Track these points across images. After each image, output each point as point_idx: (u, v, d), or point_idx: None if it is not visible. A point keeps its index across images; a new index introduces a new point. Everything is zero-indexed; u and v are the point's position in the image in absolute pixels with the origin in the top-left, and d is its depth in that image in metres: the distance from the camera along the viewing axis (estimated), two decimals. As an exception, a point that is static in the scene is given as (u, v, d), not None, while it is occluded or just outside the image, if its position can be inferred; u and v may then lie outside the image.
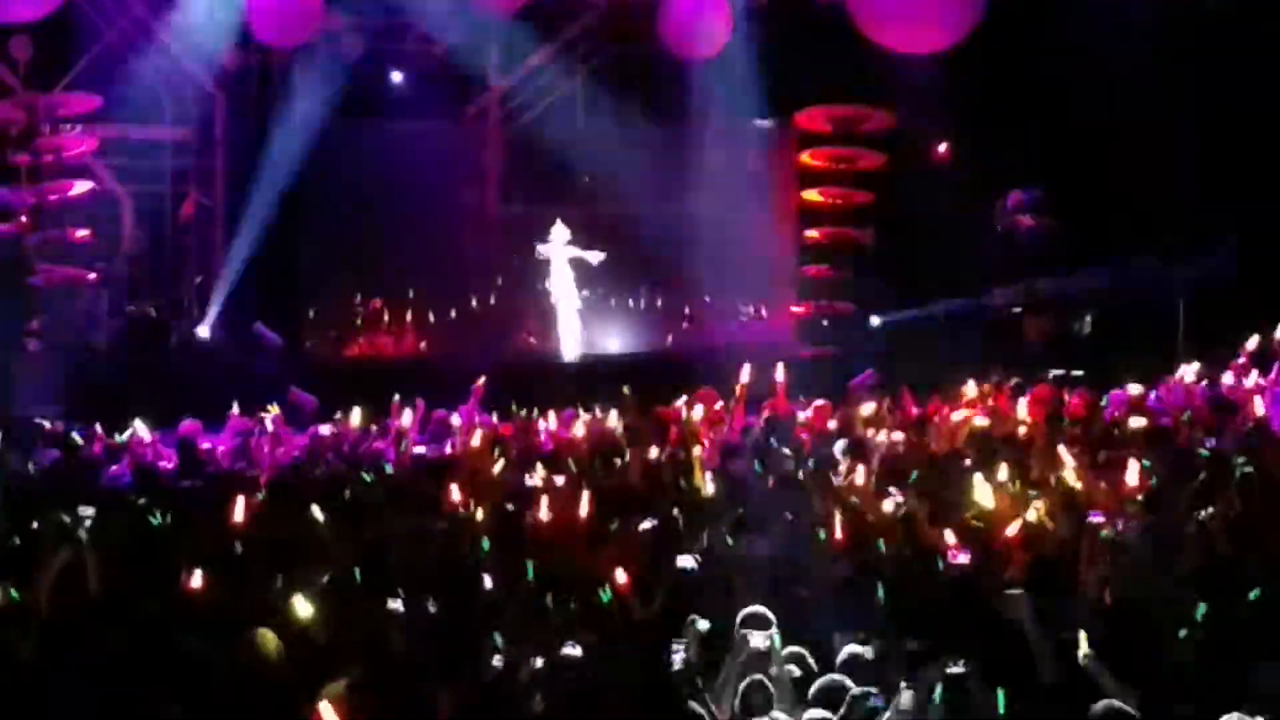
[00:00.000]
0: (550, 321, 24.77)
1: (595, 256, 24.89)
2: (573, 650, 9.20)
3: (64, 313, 22.68)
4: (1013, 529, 11.88)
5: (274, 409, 16.69)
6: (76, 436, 16.55)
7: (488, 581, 10.64)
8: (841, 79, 24.24)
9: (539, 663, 9.17)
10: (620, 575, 10.44)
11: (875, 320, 25.12)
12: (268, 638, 9.24)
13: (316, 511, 12.17)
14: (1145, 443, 15.41)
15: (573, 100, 26.46)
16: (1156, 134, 23.09)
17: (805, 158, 25.59)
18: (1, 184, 22.70)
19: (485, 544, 11.52)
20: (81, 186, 22.92)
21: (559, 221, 24.78)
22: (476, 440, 15.98)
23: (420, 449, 15.67)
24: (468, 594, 10.31)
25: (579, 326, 24.69)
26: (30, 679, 8.94)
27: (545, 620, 10.04)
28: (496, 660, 9.26)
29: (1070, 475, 13.80)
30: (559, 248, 24.86)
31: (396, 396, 16.80)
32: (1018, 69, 23.49)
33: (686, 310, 26.38)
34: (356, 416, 16.96)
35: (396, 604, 9.87)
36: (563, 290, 24.80)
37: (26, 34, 22.58)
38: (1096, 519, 11.86)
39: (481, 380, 17.46)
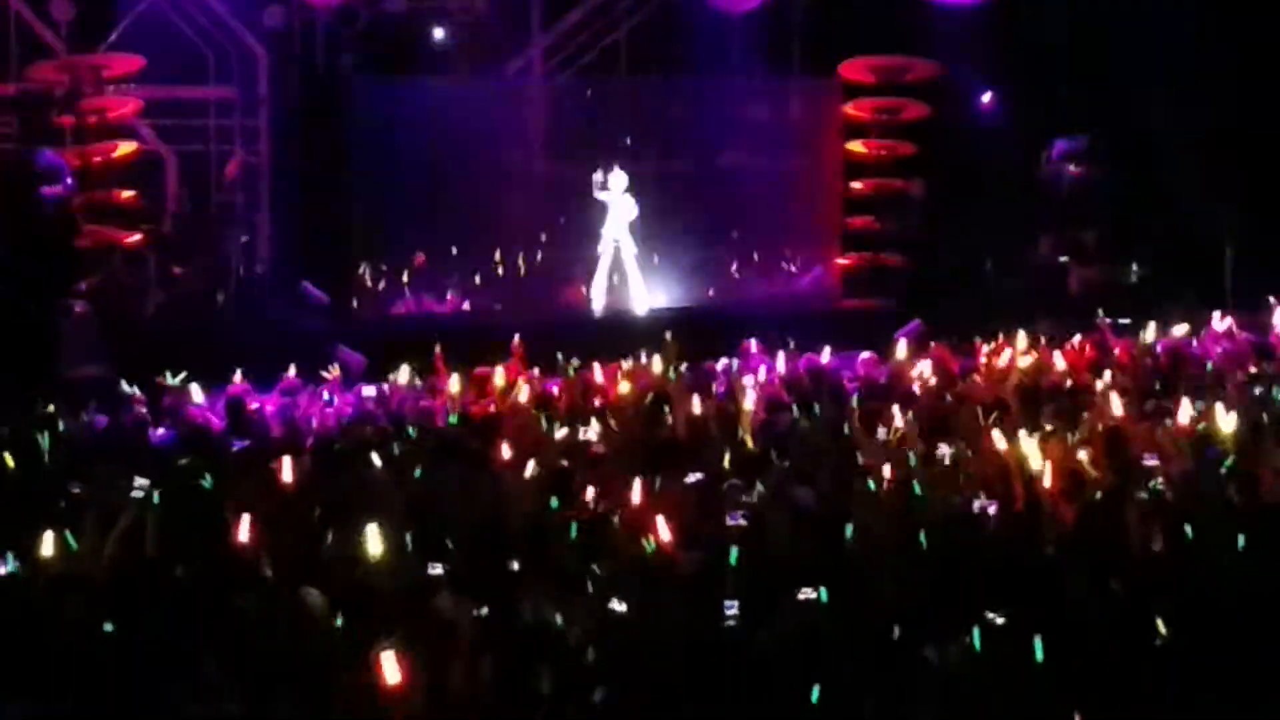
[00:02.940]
0: (606, 274, 24.63)
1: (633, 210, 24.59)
2: (619, 606, 9.21)
3: (110, 274, 22.74)
4: (1053, 478, 11.83)
5: (335, 370, 16.77)
6: (127, 387, 16.54)
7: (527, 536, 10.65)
8: (885, 29, 24.14)
9: (585, 619, 9.19)
10: (664, 530, 10.45)
11: (923, 272, 25.03)
12: (314, 596, 9.30)
13: (371, 464, 12.25)
14: (1193, 389, 15.39)
15: (615, 55, 26.41)
16: (1202, 81, 22.96)
17: (849, 109, 25.51)
18: (46, 145, 22.77)
19: (553, 501, 11.50)
20: (126, 147, 23.00)
21: (617, 168, 24.58)
22: (523, 397, 15.99)
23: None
24: (513, 551, 10.32)
25: (635, 276, 24.55)
26: (85, 639, 9.00)
27: (591, 576, 10.04)
28: (543, 618, 9.26)
29: (1117, 421, 13.77)
30: (617, 194, 24.64)
31: (438, 348, 16.83)
32: (1062, 16, 23.39)
33: (732, 264, 26.31)
34: (404, 374, 16.99)
35: (438, 568, 9.89)
36: (619, 237, 24.57)
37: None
38: (1151, 462, 11.88)
39: (517, 339, 17.45)
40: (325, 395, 16.33)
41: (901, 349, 18.76)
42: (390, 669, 8.13)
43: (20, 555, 10.01)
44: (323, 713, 8.44)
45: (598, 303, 24.37)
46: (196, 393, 16.23)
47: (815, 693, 8.25)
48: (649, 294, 24.52)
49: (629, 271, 24.43)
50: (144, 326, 21.90)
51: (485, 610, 9.19)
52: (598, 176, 24.38)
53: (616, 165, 24.53)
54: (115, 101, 23.28)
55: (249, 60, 24.96)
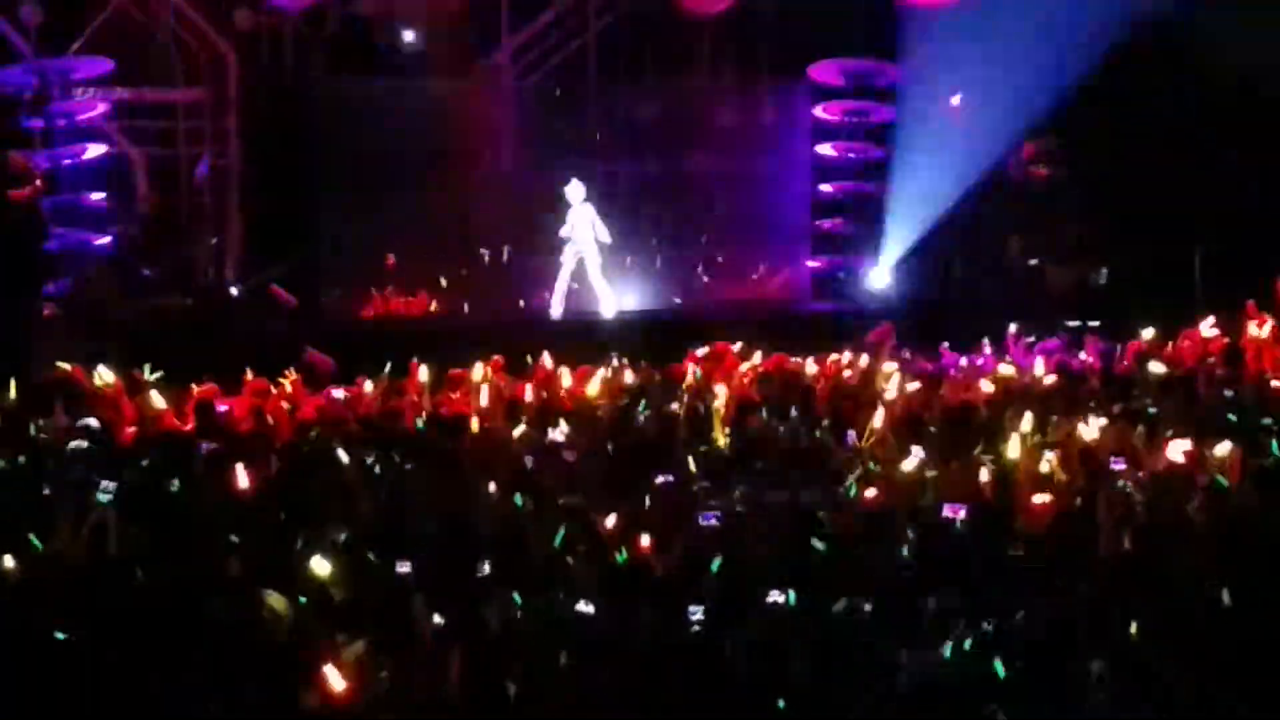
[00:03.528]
0: (567, 280, 24.59)
1: (599, 224, 24.42)
2: (586, 607, 9.19)
3: (79, 277, 22.67)
4: (1035, 493, 11.82)
5: (292, 374, 16.70)
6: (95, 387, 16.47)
7: (495, 538, 10.62)
8: (855, 32, 24.18)
9: (553, 620, 9.16)
10: (638, 532, 10.43)
11: (891, 273, 25.04)
12: (275, 599, 9.26)
13: (339, 463, 12.21)
14: (1162, 393, 15.41)
15: (584, 57, 26.41)
16: (1167, 83, 23.03)
17: (819, 112, 25.54)
18: (15, 149, 22.71)
19: (518, 499, 11.48)
20: (95, 150, 22.97)
21: (574, 179, 24.54)
22: (484, 399, 15.93)
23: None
24: (480, 551, 10.29)
25: (599, 281, 24.50)
26: (47, 639, 8.96)
27: (559, 576, 10.02)
28: (508, 618, 9.24)
29: (1086, 428, 13.77)
30: (576, 204, 24.61)
31: (415, 360, 16.78)
32: (1030, 19, 23.41)
33: (699, 267, 26.29)
34: (369, 386, 16.91)
35: (405, 566, 9.86)
36: (583, 247, 24.51)
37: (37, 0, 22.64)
38: (1118, 467, 11.89)
39: (499, 359, 17.43)
40: (293, 398, 16.26)
41: (872, 352, 18.74)
42: (335, 678, 8.10)
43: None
44: (288, 713, 8.42)
45: (557, 308, 24.23)
46: (159, 401, 16.16)
47: (781, 701, 8.23)
48: (616, 296, 24.46)
49: (593, 278, 24.32)
50: (115, 328, 21.78)
51: (452, 613, 9.17)
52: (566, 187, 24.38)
53: (573, 176, 24.39)
54: (84, 104, 23.23)
55: (218, 63, 24.90)
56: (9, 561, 10.12)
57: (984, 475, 12.11)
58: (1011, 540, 10.57)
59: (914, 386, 16.47)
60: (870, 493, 11.93)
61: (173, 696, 8.50)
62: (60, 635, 8.93)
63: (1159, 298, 21.63)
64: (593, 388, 16.79)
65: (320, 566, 9.74)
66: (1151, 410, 14.53)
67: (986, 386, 16.30)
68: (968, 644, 8.60)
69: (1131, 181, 23.67)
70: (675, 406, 15.54)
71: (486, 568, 10.01)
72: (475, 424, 14.76)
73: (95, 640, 8.89)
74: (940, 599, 9.24)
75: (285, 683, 8.51)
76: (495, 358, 17.44)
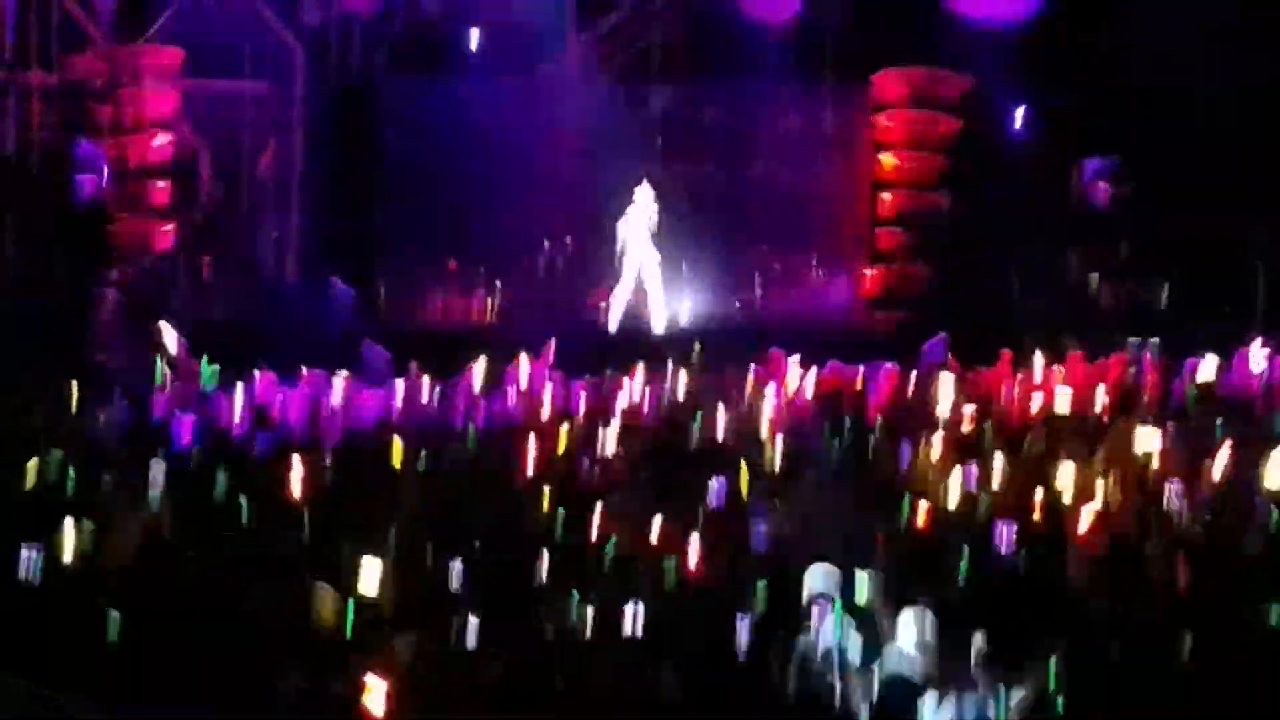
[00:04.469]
0: (625, 284, 24.61)
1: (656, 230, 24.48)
2: (637, 615, 9.22)
3: (142, 263, 22.82)
4: (1086, 509, 11.80)
5: (343, 373, 16.75)
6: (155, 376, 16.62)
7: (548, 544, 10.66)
8: (919, 43, 24.12)
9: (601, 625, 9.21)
10: (688, 540, 10.47)
11: (949, 286, 24.95)
12: (327, 594, 9.35)
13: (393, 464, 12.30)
14: (1222, 415, 15.35)
15: (649, 60, 26.40)
16: (1234, 104, 22.91)
17: (881, 121, 25.49)
18: (83, 136, 22.88)
19: (557, 511, 11.50)
20: (161, 139, 23.09)
21: (644, 181, 24.56)
22: (545, 410, 15.96)
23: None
24: (531, 556, 10.34)
25: (657, 287, 24.51)
26: (105, 624, 9.08)
27: (609, 582, 10.06)
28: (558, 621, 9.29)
29: (1143, 449, 13.71)
30: (643, 208, 24.61)
31: (472, 363, 16.84)
32: (1097, 36, 23.36)
33: (757, 273, 26.24)
34: (426, 381, 16.97)
35: (457, 565, 9.91)
36: (642, 252, 24.53)
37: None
38: (1174, 486, 11.87)
39: (553, 342, 17.46)
40: (349, 392, 16.33)
41: (928, 364, 18.71)
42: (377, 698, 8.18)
43: (48, 542, 10.09)
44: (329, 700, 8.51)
45: (615, 320, 24.27)
46: (240, 402, 16.22)
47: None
48: (674, 303, 24.48)
49: (651, 283, 24.36)
50: (174, 318, 21.91)
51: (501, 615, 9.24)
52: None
53: (644, 178, 24.44)
54: (153, 94, 23.35)
55: (286, 56, 24.99)
56: (69, 545, 10.25)
57: (1038, 495, 12.10)
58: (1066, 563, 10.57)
59: (967, 404, 16.39)
60: (923, 509, 11.94)
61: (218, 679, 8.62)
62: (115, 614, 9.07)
63: (1219, 316, 21.56)
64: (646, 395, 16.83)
65: (371, 564, 9.81)
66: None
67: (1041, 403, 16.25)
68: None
69: (1194, 200, 23.55)
70: (728, 416, 15.53)
71: (537, 571, 10.07)
72: (528, 428, 14.77)
73: (147, 622, 9.01)
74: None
75: (332, 674, 8.61)
76: (550, 359, 17.50)
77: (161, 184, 22.93)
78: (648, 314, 24.08)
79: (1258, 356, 18.41)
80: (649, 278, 24.18)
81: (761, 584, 9.76)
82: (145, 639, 8.97)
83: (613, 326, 23.84)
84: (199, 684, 8.69)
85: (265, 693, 8.64)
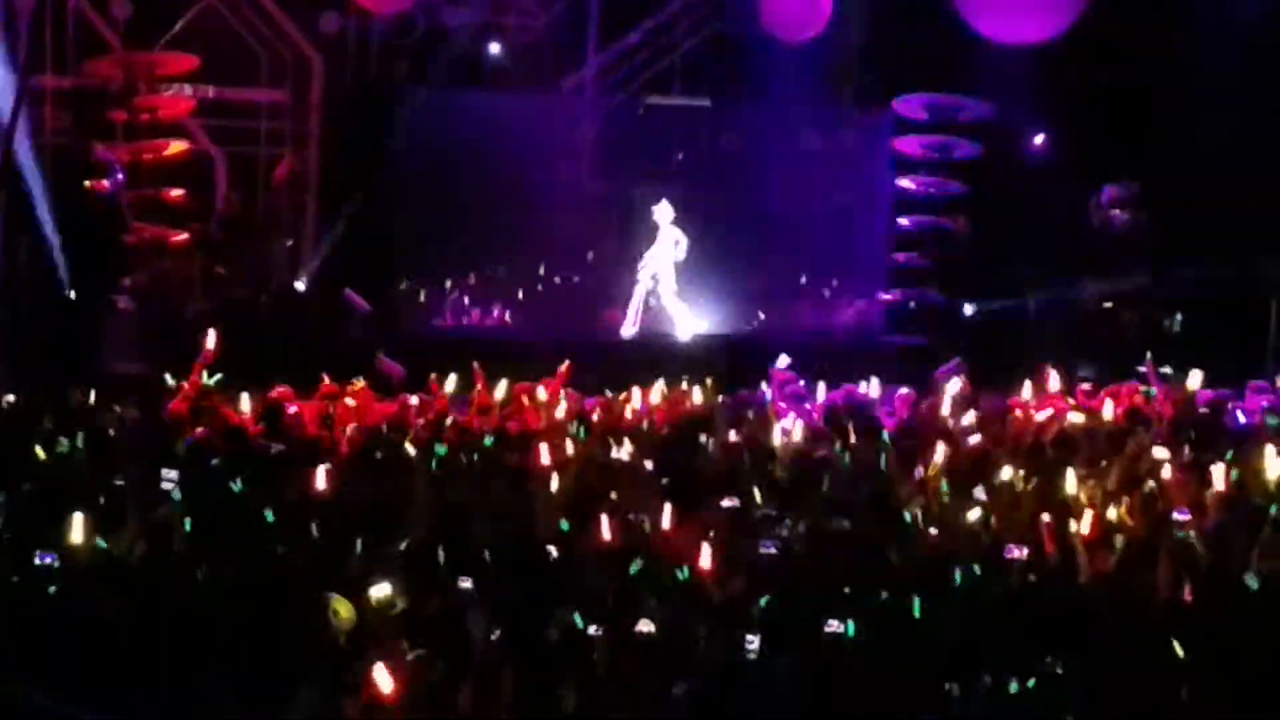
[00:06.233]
0: (642, 300, 24.62)
1: (682, 244, 24.60)
2: (647, 627, 9.18)
3: (156, 270, 22.81)
4: (1090, 527, 11.76)
5: (360, 382, 16.75)
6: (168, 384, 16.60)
7: (559, 553, 10.62)
8: (940, 66, 24.10)
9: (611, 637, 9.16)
10: (699, 555, 10.43)
11: (966, 309, 24.92)
12: (342, 605, 9.31)
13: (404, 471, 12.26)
14: (1232, 444, 15.29)
15: (669, 78, 26.42)
16: (1253, 131, 22.86)
17: (900, 144, 25.47)
18: (98, 141, 22.89)
19: (563, 524, 11.45)
20: (177, 146, 23.12)
21: (664, 200, 24.60)
22: (560, 413, 15.98)
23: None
24: (542, 567, 10.31)
25: (675, 306, 24.53)
26: (113, 631, 9.02)
27: (620, 596, 10.01)
28: (568, 633, 9.24)
29: (1154, 474, 13.68)
30: (664, 226, 24.62)
31: (475, 364, 16.80)
32: (1116, 62, 23.35)
33: (776, 292, 26.25)
34: (450, 384, 16.95)
35: (468, 581, 9.86)
36: (661, 269, 24.56)
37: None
38: (1182, 516, 11.80)
39: (567, 364, 17.45)
40: (363, 403, 16.31)
41: (942, 389, 18.67)
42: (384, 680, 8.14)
43: (59, 548, 10.03)
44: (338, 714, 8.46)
45: (631, 328, 24.29)
46: (245, 404, 16.22)
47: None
48: (690, 319, 24.48)
49: (666, 299, 24.40)
50: (187, 325, 21.88)
51: (511, 627, 9.19)
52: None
53: (664, 197, 24.53)
54: (168, 100, 23.38)
55: (303, 65, 25.03)
56: (80, 551, 10.21)
57: (1045, 519, 12.04)
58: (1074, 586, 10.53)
59: (975, 425, 16.33)
60: (932, 530, 11.90)
61: (222, 690, 8.57)
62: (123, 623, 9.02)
63: (1233, 346, 21.51)
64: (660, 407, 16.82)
65: (379, 590, 9.77)
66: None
67: (1053, 427, 16.20)
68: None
69: (1210, 228, 23.51)
70: (740, 432, 15.51)
71: (547, 584, 10.03)
72: (542, 439, 14.72)
73: (155, 633, 8.96)
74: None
75: (343, 686, 8.56)
76: (561, 371, 17.50)
77: (176, 191, 22.90)
78: (666, 330, 24.11)
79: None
80: (667, 295, 24.21)
81: (767, 600, 9.74)
82: (151, 647, 8.90)
83: (626, 334, 23.84)
84: (204, 696, 8.63)
85: (272, 705, 8.59)
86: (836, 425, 16.13)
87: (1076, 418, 16.97)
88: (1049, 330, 23.96)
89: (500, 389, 16.59)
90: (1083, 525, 11.84)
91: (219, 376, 16.47)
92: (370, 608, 9.49)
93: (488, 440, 14.71)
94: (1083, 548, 11.48)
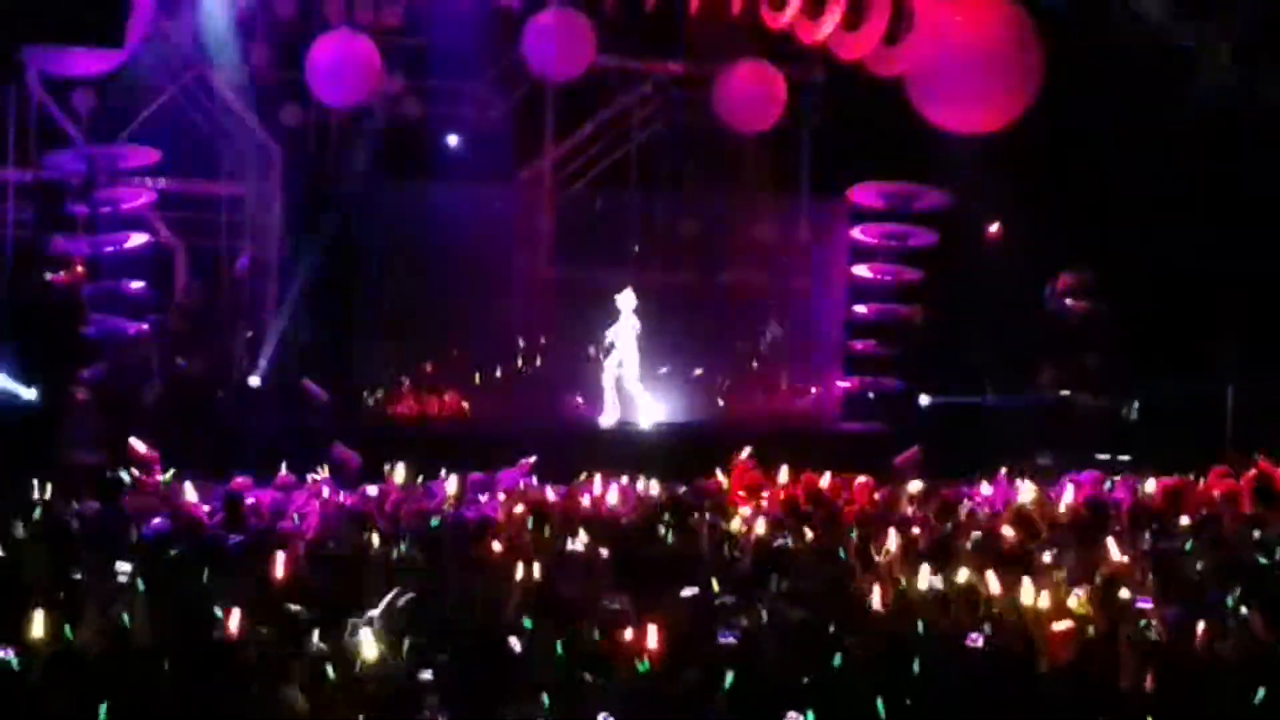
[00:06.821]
0: (601, 387, 24.67)
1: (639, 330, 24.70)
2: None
3: (115, 363, 22.77)
4: (1057, 623, 11.77)
5: (323, 471, 16.78)
6: (124, 475, 16.62)
7: (518, 645, 10.60)
8: (895, 156, 24.28)
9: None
10: (656, 645, 10.42)
11: (923, 399, 25.00)
12: (298, 699, 9.30)
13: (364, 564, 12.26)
14: (1192, 532, 15.35)
15: (625, 168, 26.56)
16: (1207, 219, 23.05)
17: (857, 233, 25.62)
18: (59, 234, 22.91)
19: (525, 620, 11.44)
20: (138, 238, 23.13)
21: (629, 288, 24.68)
22: (518, 508, 15.98)
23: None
24: (500, 658, 10.30)
25: (636, 393, 24.58)
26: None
27: (579, 688, 10.00)
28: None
29: (1113, 564, 13.72)
30: (625, 314, 24.69)
31: (444, 471, 16.84)
32: (1070, 151, 23.53)
33: (731, 382, 26.29)
34: (400, 474, 16.99)
35: (427, 674, 9.86)
36: (625, 355, 24.60)
37: (90, 87, 22.91)
38: (1144, 605, 11.84)
39: (533, 459, 17.51)
40: (321, 493, 16.32)
41: (900, 476, 18.74)
42: None
43: (16, 643, 10.00)
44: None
45: (610, 416, 24.36)
46: (191, 492, 16.25)
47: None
48: (649, 408, 24.53)
49: (629, 387, 24.47)
50: (145, 416, 21.85)
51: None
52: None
53: (628, 284, 24.62)
54: (130, 192, 23.40)
55: (264, 157, 25.08)
56: (38, 645, 10.18)
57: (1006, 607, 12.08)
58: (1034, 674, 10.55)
59: (934, 513, 16.38)
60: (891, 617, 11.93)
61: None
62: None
63: (1190, 433, 21.62)
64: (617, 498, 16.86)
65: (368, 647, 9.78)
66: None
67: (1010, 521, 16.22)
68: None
69: (1166, 316, 23.67)
70: (700, 521, 15.53)
71: (507, 674, 10.03)
72: (500, 530, 14.75)
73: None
74: None
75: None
76: (524, 462, 17.55)
77: (136, 283, 22.88)
78: (626, 417, 24.18)
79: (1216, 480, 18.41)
80: (629, 382, 24.29)
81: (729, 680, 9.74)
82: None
83: (606, 422, 23.90)
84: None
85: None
86: (796, 514, 16.17)
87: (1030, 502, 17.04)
88: (1006, 418, 24.05)
89: (451, 482, 16.64)
90: (1044, 613, 11.89)
91: (172, 472, 16.50)
92: (327, 695, 9.47)
93: (434, 521, 14.74)
94: (1043, 636, 11.50)
